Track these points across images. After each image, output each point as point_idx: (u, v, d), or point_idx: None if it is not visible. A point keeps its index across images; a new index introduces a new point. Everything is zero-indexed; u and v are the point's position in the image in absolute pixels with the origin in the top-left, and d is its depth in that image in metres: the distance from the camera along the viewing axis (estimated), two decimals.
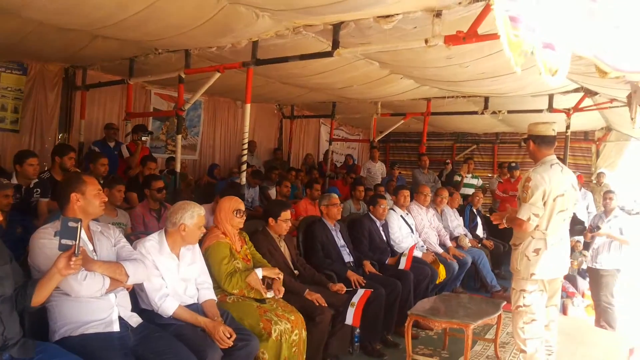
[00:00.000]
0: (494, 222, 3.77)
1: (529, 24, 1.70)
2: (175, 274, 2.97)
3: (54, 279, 2.24)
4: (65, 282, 2.35)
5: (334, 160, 11.06)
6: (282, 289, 3.40)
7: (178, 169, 5.88)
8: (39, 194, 4.26)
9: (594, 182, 10.79)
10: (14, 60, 6.54)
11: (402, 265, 4.97)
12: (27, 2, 4.00)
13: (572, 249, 7.94)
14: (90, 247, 2.58)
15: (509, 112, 8.15)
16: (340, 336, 3.91)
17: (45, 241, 2.43)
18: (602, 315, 5.58)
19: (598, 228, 5.70)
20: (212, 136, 9.34)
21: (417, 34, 4.40)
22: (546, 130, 3.52)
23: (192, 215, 3.05)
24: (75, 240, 2.21)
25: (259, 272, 3.36)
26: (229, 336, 2.77)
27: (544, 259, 3.39)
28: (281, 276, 3.45)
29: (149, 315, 2.78)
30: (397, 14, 4.18)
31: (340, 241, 4.71)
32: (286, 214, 3.93)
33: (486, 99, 7.92)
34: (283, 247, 3.98)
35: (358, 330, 4.24)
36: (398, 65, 6.00)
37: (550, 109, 7.42)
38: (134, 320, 2.64)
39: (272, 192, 7.36)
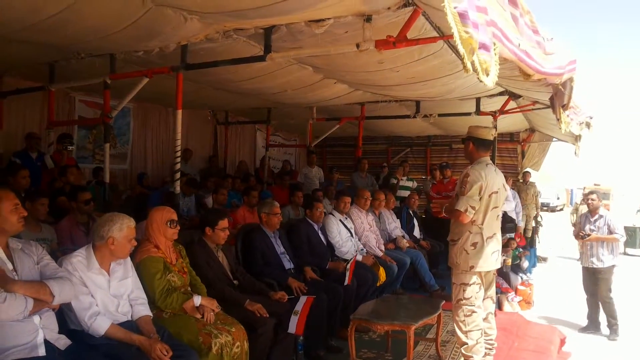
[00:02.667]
0: (434, 210, 3.97)
1: (474, 21, 1.72)
2: (105, 291, 2.79)
3: None
4: None
5: (271, 166, 10.96)
6: (213, 318, 3.26)
7: (107, 179, 5.59)
8: None
9: (521, 181, 11.32)
10: None
11: (346, 281, 4.92)
12: None
13: (506, 245, 8.29)
14: (10, 266, 2.39)
15: (439, 115, 8.41)
16: (283, 345, 3.82)
17: None
18: (604, 309, 5.83)
19: (585, 232, 5.85)
20: (143, 144, 9.00)
21: (348, 39, 4.44)
22: (487, 134, 3.79)
23: (121, 227, 2.89)
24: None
25: (197, 300, 3.23)
26: (165, 353, 2.63)
27: (481, 252, 3.54)
28: (217, 309, 3.31)
29: (78, 335, 2.60)
30: (328, 19, 4.20)
31: (279, 248, 4.64)
32: (223, 223, 3.82)
33: (417, 103, 8.13)
34: (221, 256, 3.86)
35: (301, 338, 4.19)
36: (331, 69, 6.03)
37: (478, 112, 7.71)
38: (62, 342, 2.46)
39: (209, 201, 7.16)
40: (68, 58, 5.64)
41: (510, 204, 7.17)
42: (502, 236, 7.78)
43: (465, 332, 3.58)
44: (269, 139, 10.35)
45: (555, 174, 40.77)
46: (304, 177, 9.26)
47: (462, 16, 1.71)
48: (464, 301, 3.59)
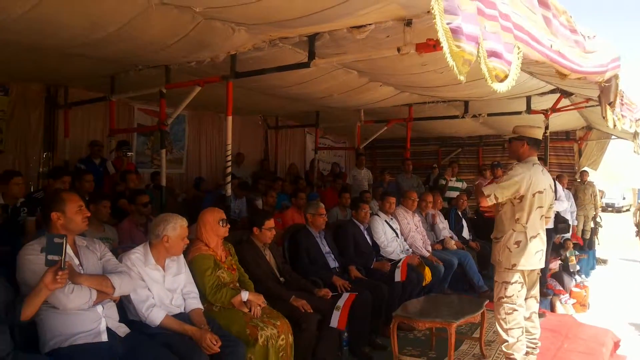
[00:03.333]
0: (485, 212, 4.05)
1: (470, 35, 1.83)
2: (161, 285, 3.03)
3: (41, 293, 2.31)
4: (53, 295, 2.41)
5: (321, 168, 11.15)
6: (260, 312, 3.43)
7: (163, 183, 5.93)
8: (25, 213, 4.31)
9: (578, 180, 10.98)
10: None
11: (397, 277, 5.02)
12: (1, 25, 4.05)
13: (561, 246, 8.11)
14: (77, 261, 2.65)
15: (488, 115, 8.33)
16: (328, 340, 3.96)
17: (32, 257, 2.49)
18: None
19: None
20: (198, 150, 9.41)
21: (390, 43, 4.52)
22: (539, 134, 3.85)
23: (175, 226, 3.12)
24: (61, 256, 2.28)
25: (245, 296, 3.43)
26: (215, 343, 2.84)
27: (524, 250, 3.56)
28: (264, 304, 3.49)
29: (136, 325, 2.85)
30: (369, 24, 4.31)
31: (325, 248, 4.79)
32: (269, 223, 4.01)
33: (466, 103, 8.08)
34: (268, 255, 4.05)
35: (346, 334, 4.33)
36: (375, 73, 6.13)
37: (529, 110, 7.60)
38: (122, 330, 2.71)
39: (259, 203, 7.41)
40: (127, 70, 6.04)
41: (562, 204, 6.99)
42: (556, 236, 7.68)
43: (506, 330, 3.61)
44: (318, 142, 10.53)
45: (621, 173, 38.96)
46: (353, 179, 9.38)
47: (454, 31, 1.81)
48: (505, 299, 3.62)
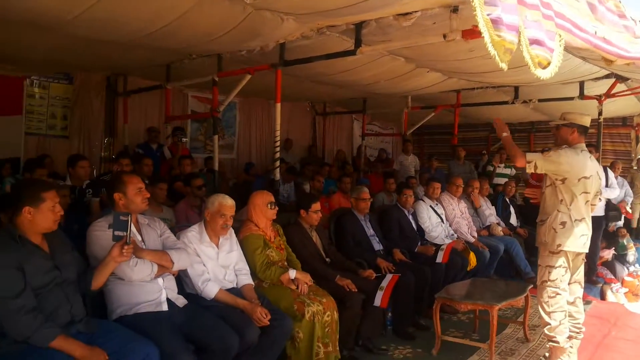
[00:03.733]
0: (531, 198, 4.29)
1: (510, 24, 1.91)
2: (215, 261, 3.26)
3: (109, 265, 2.57)
4: (120, 268, 2.67)
5: (368, 154, 11.24)
6: (306, 289, 3.60)
7: (216, 167, 6.20)
8: (91, 194, 4.64)
9: (635, 168, 10.59)
10: (61, 71, 7.01)
11: (440, 258, 5.11)
12: (70, 20, 4.35)
13: (615, 234, 7.91)
14: (139, 237, 2.90)
15: (539, 100, 8.17)
16: (372, 319, 4.13)
17: (99, 233, 2.75)
18: None
19: None
20: (248, 135, 9.68)
21: (436, 29, 4.55)
22: (588, 121, 3.85)
23: (213, 202, 3.34)
24: (126, 232, 2.52)
25: (292, 274, 3.61)
26: (265, 316, 3.04)
27: (570, 231, 3.62)
28: (310, 283, 3.65)
29: (193, 298, 3.08)
30: (415, 11, 4.36)
31: (369, 231, 4.92)
32: (316, 206, 4.18)
33: (516, 89, 7.96)
34: (315, 237, 4.22)
35: (390, 314, 4.47)
36: (422, 59, 6.15)
37: (582, 96, 7.42)
38: (180, 301, 2.95)
39: (307, 187, 7.61)
40: (181, 59, 6.30)
41: (614, 192, 6.82)
42: (610, 225, 7.51)
43: (548, 313, 3.65)
44: (365, 128, 10.60)
45: None
46: (400, 165, 9.43)
47: (495, 22, 1.89)
48: (548, 283, 3.65)
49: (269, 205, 3.71)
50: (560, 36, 2.26)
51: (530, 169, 3.64)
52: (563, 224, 3.61)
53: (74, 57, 5.96)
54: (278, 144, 5.77)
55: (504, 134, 3.89)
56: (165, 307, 2.82)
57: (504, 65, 2.08)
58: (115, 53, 5.86)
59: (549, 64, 2.26)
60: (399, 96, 8.86)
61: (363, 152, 10.34)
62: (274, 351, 3.15)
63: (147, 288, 2.80)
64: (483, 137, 12.64)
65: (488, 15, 1.97)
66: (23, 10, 4.03)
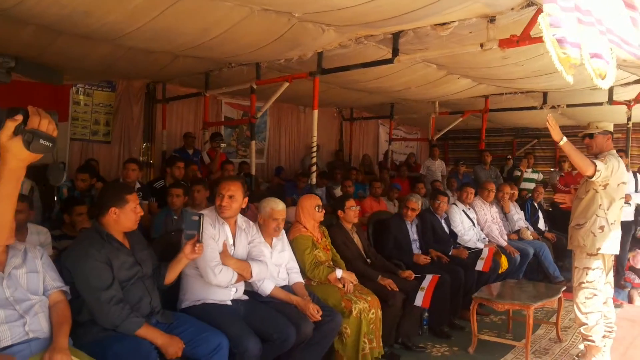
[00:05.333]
0: (560, 204, 4.31)
1: (573, 42, 2.10)
2: (269, 260, 3.47)
3: (181, 262, 2.80)
4: (205, 271, 2.93)
5: (394, 159, 11.40)
6: (352, 288, 3.80)
7: (253, 172, 6.44)
8: (141, 197, 4.90)
9: None
10: (105, 79, 7.33)
11: (480, 267, 5.24)
12: (126, 33, 4.63)
13: None
14: (231, 241, 3.13)
15: (568, 106, 8.24)
16: (410, 318, 4.30)
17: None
18: None
19: None
20: (278, 141, 9.92)
21: (472, 38, 4.72)
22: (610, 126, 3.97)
23: (266, 207, 3.54)
24: (198, 231, 2.74)
25: (339, 273, 3.80)
26: (317, 312, 3.24)
27: (607, 235, 3.77)
28: (355, 282, 3.85)
29: (251, 294, 3.29)
30: (453, 22, 4.53)
31: (413, 235, 5.12)
32: (350, 202, 4.38)
33: (545, 94, 8.04)
34: (356, 238, 4.42)
35: (426, 314, 4.64)
36: (455, 66, 6.31)
37: (611, 101, 7.48)
38: (242, 297, 3.18)
39: (338, 192, 7.81)
40: (220, 68, 6.55)
41: None
42: (637, 230, 7.55)
43: (585, 314, 3.79)
44: (392, 133, 10.78)
45: None
46: (427, 170, 9.58)
47: (560, 41, 2.08)
48: (586, 284, 3.79)
49: (316, 208, 3.92)
50: (611, 49, 2.45)
51: (596, 177, 3.70)
52: (602, 228, 3.76)
53: (120, 66, 6.24)
54: (315, 149, 5.96)
55: (563, 140, 3.75)
56: (229, 302, 3.05)
57: (570, 78, 2.29)
58: (160, 62, 6.13)
59: (605, 75, 2.46)
60: (427, 101, 9.02)
61: (390, 156, 10.50)
62: (324, 345, 3.35)
63: (221, 289, 3.04)
64: (508, 141, 12.71)
65: (553, 35, 2.16)
66: (87, 25, 4.30)
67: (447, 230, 5.76)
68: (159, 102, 7.72)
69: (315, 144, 5.97)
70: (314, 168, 5.96)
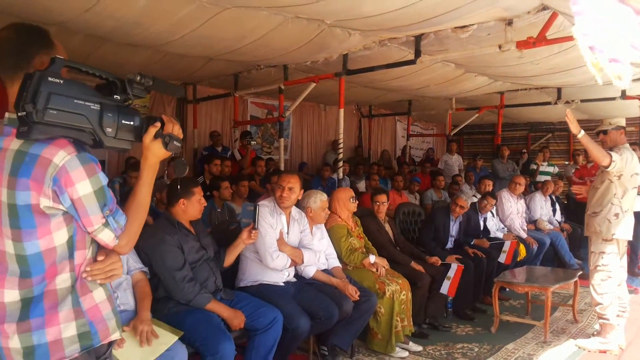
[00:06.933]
0: (576, 195, 4.64)
1: (599, 48, 2.46)
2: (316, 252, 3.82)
3: (239, 247, 3.19)
4: (264, 254, 3.31)
5: (411, 154, 11.71)
6: (384, 272, 4.15)
7: (282, 167, 6.81)
8: None
9: None
10: None
11: (502, 259, 5.53)
12: (169, 41, 5.01)
13: None
14: (286, 229, 3.50)
15: (581, 101, 8.49)
16: (436, 301, 4.65)
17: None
18: None
19: None
20: (300, 137, 10.29)
21: (491, 40, 5.03)
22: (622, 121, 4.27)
23: (315, 200, 3.90)
24: (254, 220, 3.11)
25: (372, 259, 4.16)
26: (355, 292, 3.60)
27: (621, 221, 4.08)
28: (387, 266, 4.19)
29: (297, 277, 3.67)
30: (472, 25, 4.85)
31: (452, 231, 5.45)
32: (379, 197, 4.72)
33: (559, 90, 8.29)
34: (387, 227, 4.77)
35: (450, 298, 4.98)
36: (472, 65, 6.61)
37: (624, 96, 7.74)
38: (292, 279, 3.57)
39: (360, 186, 8.16)
40: (249, 69, 6.92)
41: None
42: None
43: (600, 294, 4.11)
44: (409, 129, 11.09)
45: None
46: (444, 164, 9.88)
47: (592, 48, 2.43)
48: (601, 267, 4.11)
49: (351, 200, 4.28)
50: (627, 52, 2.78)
51: (612, 167, 4.00)
52: (616, 215, 4.08)
53: (156, 69, 6.61)
54: (342, 147, 6.32)
55: (581, 133, 4.05)
56: (282, 283, 3.43)
57: (600, 80, 2.66)
58: (193, 65, 6.51)
59: (622, 77, 2.79)
60: (444, 98, 9.32)
61: (408, 152, 10.82)
62: (361, 322, 3.70)
63: (275, 272, 3.42)
64: (523, 136, 12.95)
65: (586, 43, 2.50)
66: (135, 34, 4.69)
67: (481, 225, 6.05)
68: (190, 102, 8.11)
69: (341, 140, 6.32)
70: (341, 163, 6.30)
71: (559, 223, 7.75)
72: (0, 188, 1.36)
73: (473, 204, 6.07)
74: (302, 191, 3.63)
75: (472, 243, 5.61)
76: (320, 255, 3.89)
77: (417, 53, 5.38)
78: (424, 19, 4.51)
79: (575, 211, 8.24)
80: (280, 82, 6.74)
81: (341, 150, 6.36)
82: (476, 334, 4.58)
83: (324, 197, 3.95)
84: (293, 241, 3.56)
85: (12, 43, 1.41)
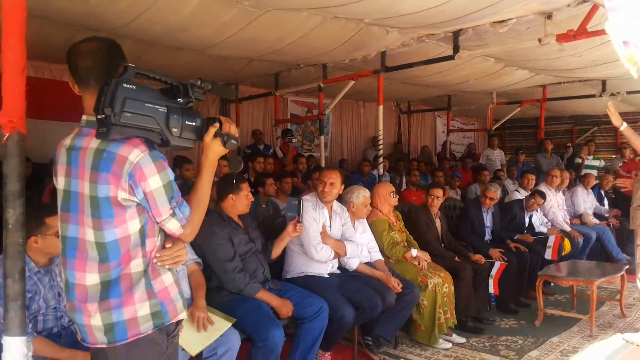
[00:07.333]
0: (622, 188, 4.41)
1: (634, 43, 2.49)
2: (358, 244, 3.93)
3: (285, 240, 3.33)
4: (309, 247, 3.45)
5: (451, 150, 11.65)
6: (426, 265, 4.21)
7: (323, 164, 6.94)
8: None
9: None
10: None
11: (548, 255, 5.49)
12: (214, 44, 5.21)
13: None
14: (328, 223, 3.63)
15: (627, 92, 8.28)
16: (480, 295, 4.68)
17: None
18: None
19: None
20: (340, 134, 10.41)
21: (530, 34, 5.00)
22: None
23: (358, 195, 4.01)
24: (298, 213, 3.24)
25: (414, 252, 4.22)
26: (398, 284, 3.68)
27: None
28: (429, 260, 4.24)
29: (341, 269, 3.78)
30: (511, 19, 4.83)
31: (487, 222, 5.44)
32: (437, 191, 4.75)
33: (603, 82, 8.11)
34: (438, 223, 4.80)
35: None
36: (513, 59, 6.57)
37: None
38: (336, 271, 3.69)
39: (399, 182, 8.21)
40: (289, 69, 7.08)
41: None
42: None
43: None
44: (449, 124, 11.04)
45: None
46: (486, 159, 9.80)
47: (626, 43, 2.44)
48: None
49: (391, 194, 4.36)
50: None
51: None
52: None
53: (200, 71, 6.86)
54: (381, 142, 6.39)
55: (623, 126, 3.99)
56: (326, 275, 3.56)
57: (635, 74, 2.66)
58: (236, 66, 6.72)
59: None
60: (484, 93, 9.24)
61: (448, 147, 10.78)
62: (404, 314, 3.79)
63: (320, 263, 3.55)
64: (567, 129, 12.67)
65: (619, 39, 2.52)
66: (183, 38, 4.91)
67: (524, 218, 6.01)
68: (233, 102, 8.34)
69: (381, 137, 6.40)
70: (381, 160, 6.38)
71: (607, 218, 7.58)
72: (83, 182, 1.55)
73: (519, 201, 6.04)
74: (343, 186, 3.73)
75: (515, 238, 5.59)
76: (363, 249, 4.00)
77: (456, 49, 5.40)
78: (463, 14, 4.55)
79: (622, 205, 8.05)
80: (319, 80, 6.87)
81: (381, 147, 6.44)
82: (520, 327, 4.58)
83: (366, 192, 4.05)
84: (335, 234, 3.67)
85: (104, 55, 1.60)
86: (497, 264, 4.74)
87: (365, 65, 6.38)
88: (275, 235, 3.42)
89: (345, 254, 3.60)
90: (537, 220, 6.17)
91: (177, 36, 4.83)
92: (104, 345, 1.58)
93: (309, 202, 3.55)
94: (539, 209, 6.30)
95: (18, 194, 1.47)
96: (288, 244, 3.45)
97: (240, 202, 3.15)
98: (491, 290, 4.64)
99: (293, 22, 4.75)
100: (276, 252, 3.36)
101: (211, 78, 5.91)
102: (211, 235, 3.01)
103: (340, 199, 3.99)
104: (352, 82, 6.60)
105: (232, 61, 6.38)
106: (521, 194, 6.30)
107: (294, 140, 7.65)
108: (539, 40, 4.81)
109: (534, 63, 6.66)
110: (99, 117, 1.47)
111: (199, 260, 3.01)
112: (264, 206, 4.97)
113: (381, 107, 6.35)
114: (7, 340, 1.45)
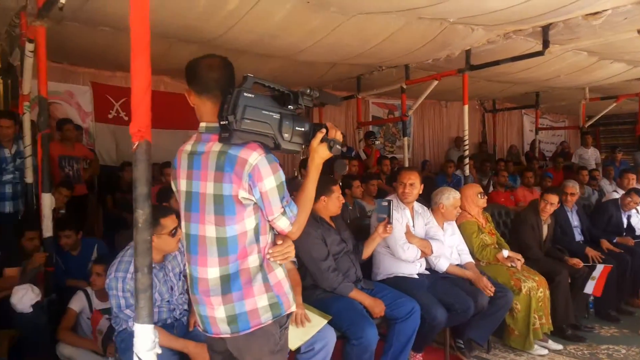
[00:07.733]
0: None
1: None
2: (444, 239, 3.91)
3: (375, 240, 3.38)
4: (395, 247, 3.48)
5: (541, 149, 11.18)
6: (520, 266, 4.08)
7: (407, 166, 6.92)
8: None
9: None
10: None
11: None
12: (301, 50, 5.37)
13: None
14: (411, 223, 3.66)
15: None
16: (577, 301, 4.48)
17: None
18: None
19: None
20: (422, 135, 10.32)
21: (628, 25, 4.71)
22: None
23: (448, 197, 3.97)
24: (388, 215, 3.28)
25: (505, 253, 4.11)
26: (490, 287, 3.62)
27: None
28: (522, 261, 4.11)
29: (430, 271, 3.78)
30: (606, 10, 4.58)
31: (574, 222, 5.21)
32: (553, 198, 4.54)
33: None
34: (545, 228, 4.63)
35: (592, 297, 4.75)
36: (608, 52, 6.20)
37: None
38: (425, 271, 3.69)
39: (484, 183, 7.99)
40: (371, 71, 7.12)
41: None
42: None
43: None
44: (538, 122, 10.59)
45: None
46: (579, 158, 9.30)
47: None
48: None
49: (479, 195, 4.29)
50: None
51: None
52: None
53: (286, 77, 7.05)
54: (467, 143, 6.28)
55: None
56: (416, 275, 3.57)
57: None
58: (320, 71, 6.85)
59: None
60: (576, 88, 8.79)
61: (537, 146, 10.35)
62: (497, 318, 3.71)
63: (409, 262, 3.57)
64: None
65: None
66: (272, 46, 5.10)
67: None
68: (316, 105, 8.50)
69: (467, 137, 6.27)
70: (467, 160, 6.27)
71: None
72: (206, 182, 1.71)
73: (614, 200, 5.71)
74: (422, 186, 3.71)
75: (614, 241, 5.28)
76: (453, 251, 3.96)
77: (545, 44, 5.21)
78: (553, 8, 4.39)
79: None
80: (401, 81, 6.86)
81: (467, 147, 6.31)
82: (622, 335, 4.33)
83: (457, 194, 4.00)
84: (419, 233, 3.66)
85: (227, 69, 1.76)
86: (599, 267, 4.50)
87: (449, 64, 6.29)
88: (362, 236, 3.49)
89: (432, 252, 3.58)
90: (638, 221, 5.79)
91: (267, 43, 5.03)
92: (228, 335, 1.73)
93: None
94: (638, 209, 5.91)
95: (146, 196, 1.63)
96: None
97: (332, 204, 3.24)
98: (589, 290, 4.40)
99: (377, 25, 4.80)
100: (367, 252, 3.41)
101: (296, 83, 6.16)
102: (305, 235, 3.06)
103: (430, 200, 3.98)
104: (436, 82, 6.53)
105: (316, 66, 6.52)
106: (619, 194, 5.94)
107: (377, 142, 7.68)
108: (638, 31, 4.54)
109: (632, 55, 6.25)
110: (222, 123, 1.61)
111: (294, 259, 3.13)
112: (350, 208, 5.05)
113: (466, 107, 6.24)
114: (138, 327, 1.61)
